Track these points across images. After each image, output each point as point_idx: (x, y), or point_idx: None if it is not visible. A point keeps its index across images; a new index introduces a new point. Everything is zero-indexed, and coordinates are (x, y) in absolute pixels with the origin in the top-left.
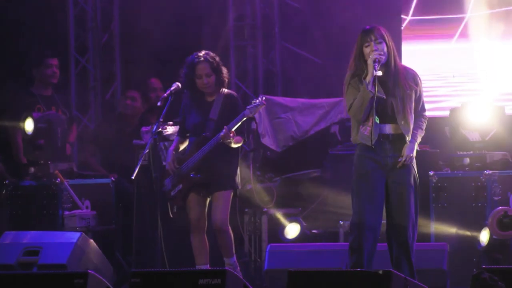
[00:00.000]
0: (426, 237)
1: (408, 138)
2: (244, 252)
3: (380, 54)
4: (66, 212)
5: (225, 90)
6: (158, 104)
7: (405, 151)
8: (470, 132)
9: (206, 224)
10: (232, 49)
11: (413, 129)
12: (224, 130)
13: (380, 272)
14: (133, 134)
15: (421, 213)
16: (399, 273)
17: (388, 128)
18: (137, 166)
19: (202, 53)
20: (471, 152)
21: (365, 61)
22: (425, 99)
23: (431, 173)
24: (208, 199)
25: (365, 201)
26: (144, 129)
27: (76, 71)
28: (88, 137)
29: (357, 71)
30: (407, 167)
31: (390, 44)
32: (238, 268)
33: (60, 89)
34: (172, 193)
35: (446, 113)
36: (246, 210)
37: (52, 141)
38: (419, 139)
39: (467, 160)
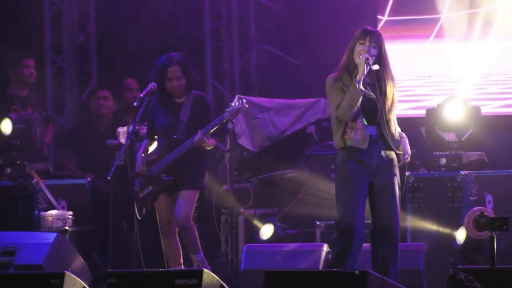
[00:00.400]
0: (402, 237)
1: (392, 140)
2: (221, 253)
3: (368, 56)
4: (43, 213)
5: (194, 91)
6: (134, 104)
7: (405, 149)
8: (446, 133)
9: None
10: (209, 49)
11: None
12: (198, 135)
13: (357, 272)
14: (107, 134)
15: None
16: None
17: (374, 130)
18: (113, 167)
19: (173, 55)
20: (447, 152)
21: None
22: (401, 99)
23: (407, 173)
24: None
25: (352, 203)
26: (120, 129)
27: (52, 71)
28: (62, 140)
29: (346, 69)
30: (391, 168)
31: (384, 52)
32: (206, 263)
33: (36, 89)
34: (141, 195)
35: (422, 113)
36: (223, 210)
37: (31, 141)
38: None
39: (443, 161)
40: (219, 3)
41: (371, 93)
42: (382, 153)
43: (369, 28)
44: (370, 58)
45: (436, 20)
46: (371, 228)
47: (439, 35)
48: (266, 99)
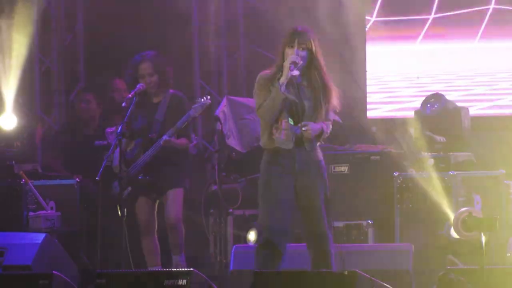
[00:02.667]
0: (391, 238)
1: (317, 142)
2: (209, 253)
3: (298, 58)
4: (31, 213)
5: (172, 91)
6: (123, 105)
7: (309, 125)
8: (434, 134)
9: (156, 225)
10: (197, 49)
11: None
12: (164, 136)
13: (346, 272)
14: (95, 135)
15: (386, 214)
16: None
17: (299, 131)
18: (102, 167)
19: (145, 53)
20: (436, 153)
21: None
22: (390, 99)
23: (395, 174)
24: (158, 201)
25: (272, 207)
26: (108, 130)
27: (40, 72)
28: (50, 141)
29: (276, 72)
30: (316, 170)
31: (316, 52)
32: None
33: (24, 91)
34: (122, 196)
35: (410, 114)
36: (211, 211)
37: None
38: (326, 130)
39: (432, 161)
40: (207, 3)
41: (293, 97)
42: (307, 155)
43: (299, 28)
44: (297, 62)
45: (424, 21)
46: (303, 234)
47: (427, 36)
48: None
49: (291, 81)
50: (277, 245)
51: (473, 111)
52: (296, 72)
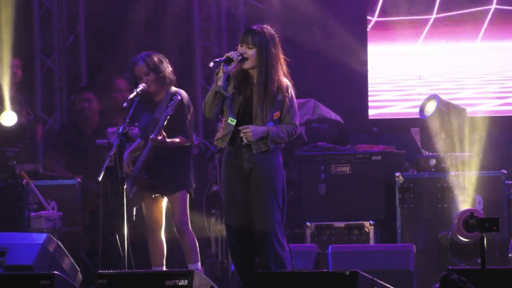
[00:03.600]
0: (392, 238)
1: (262, 142)
2: (211, 253)
3: (237, 55)
4: (32, 213)
5: (173, 89)
6: (124, 105)
7: (249, 126)
8: (436, 134)
9: (163, 225)
10: (198, 49)
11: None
12: (151, 136)
13: (347, 272)
14: (95, 135)
15: (388, 214)
16: (367, 275)
17: None
18: (103, 167)
19: (140, 54)
20: (437, 153)
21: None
22: (393, 98)
23: (397, 174)
24: (163, 200)
25: (228, 208)
26: (110, 130)
27: (41, 72)
28: (51, 141)
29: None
30: (264, 171)
31: (267, 51)
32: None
33: (25, 90)
34: (131, 195)
35: (411, 114)
36: (213, 211)
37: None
38: (274, 133)
39: (433, 161)
40: (208, 3)
41: (228, 94)
42: (253, 156)
43: (250, 28)
44: (231, 57)
45: (426, 21)
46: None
47: (429, 36)
48: None
49: (234, 79)
50: (235, 243)
51: (475, 110)
52: (211, 64)
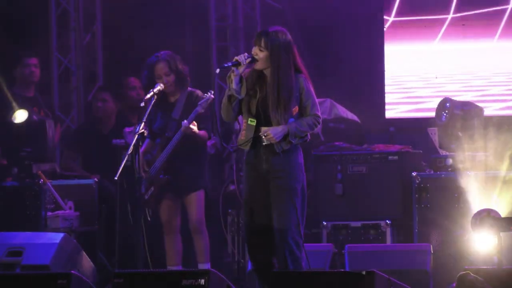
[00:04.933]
0: (409, 238)
1: (280, 143)
2: (227, 253)
3: (245, 57)
4: (49, 213)
5: (189, 89)
6: (141, 105)
7: (268, 128)
8: (452, 134)
9: (179, 225)
10: (214, 49)
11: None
12: (183, 123)
13: (364, 272)
14: (112, 134)
15: (404, 214)
16: (383, 275)
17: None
18: (120, 167)
19: (160, 53)
20: (454, 153)
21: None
22: (407, 100)
23: (414, 174)
24: (180, 200)
25: (246, 208)
26: (127, 129)
27: (58, 72)
28: (68, 141)
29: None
30: (282, 171)
31: (279, 56)
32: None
33: (42, 90)
34: (146, 197)
35: (428, 114)
36: (230, 210)
37: (44, 141)
38: (293, 129)
39: (450, 161)
40: (224, 3)
41: (240, 96)
42: (271, 156)
43: (265, 30)
44: (239, 60)
45: (442, 21)
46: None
47: (446, 36)
48: None
49: (249, 79)
50: (252, 243)
51: (490, 111)
52: (217, 70)
